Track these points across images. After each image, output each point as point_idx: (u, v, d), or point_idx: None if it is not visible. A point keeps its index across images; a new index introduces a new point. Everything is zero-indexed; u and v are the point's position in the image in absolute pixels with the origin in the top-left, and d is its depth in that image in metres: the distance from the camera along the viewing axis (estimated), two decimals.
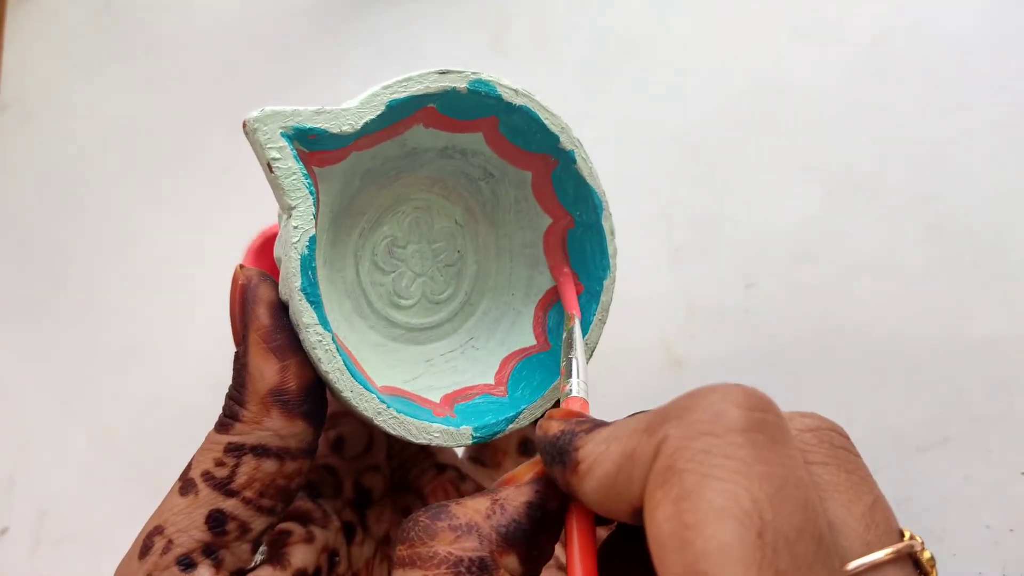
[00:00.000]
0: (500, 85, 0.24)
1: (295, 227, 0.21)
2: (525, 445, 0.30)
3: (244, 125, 0.21)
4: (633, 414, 0.18)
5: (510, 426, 0.25)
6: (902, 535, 0.16)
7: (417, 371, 0.27)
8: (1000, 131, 0.46)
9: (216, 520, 0.21)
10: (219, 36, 0.62)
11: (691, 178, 0.50)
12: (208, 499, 0.21)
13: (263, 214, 0.48)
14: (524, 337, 0.28)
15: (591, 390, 0.22)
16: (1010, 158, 0.45)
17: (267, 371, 0.21)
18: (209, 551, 0.21)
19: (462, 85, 0.23)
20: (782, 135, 0.50)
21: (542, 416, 0.25)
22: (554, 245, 0.27)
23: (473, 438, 0.24)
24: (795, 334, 0.46)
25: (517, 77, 0.24)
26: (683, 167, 0.51)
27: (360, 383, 0.22)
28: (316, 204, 0.22)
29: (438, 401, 0.26)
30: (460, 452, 0.31)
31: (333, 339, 0.21)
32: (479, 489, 0.28)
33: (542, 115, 0.24)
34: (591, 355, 0.26)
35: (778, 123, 0.50)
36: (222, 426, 0.21)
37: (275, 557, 0.23)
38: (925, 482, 0.42)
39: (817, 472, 0.17)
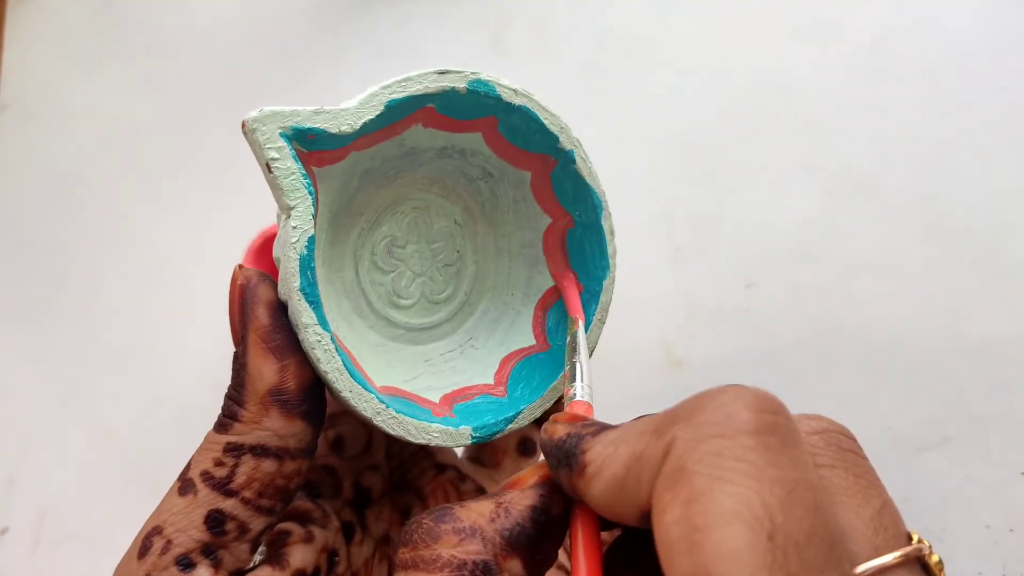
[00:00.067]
0: (499, 85, 0.24)
1: (294, 227, 0.21)
2: (524, 445, 0.30)
3: (243, 125, 0.21)
4: (639, 417, 0.18)
5: (509, 426, 0.25)
6: (910, 539, 0.16)
7: (416, 371, 0.27)
8: (1000, 131, 0.46)
9: (215, 520, 0.21)
10: (219, 36, 0.62)
11: (691, 178, 0.50)
12: (207, 499, 0.21)
13: (263, 214, 0.47)
14: (523, 337, 0.28)
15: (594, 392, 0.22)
16: (1010, 158, 0.45)
17: (266, 371, 0.21)
18: (208, 551, 0.21)
19: (461, 85, 0.23)
20: (782, 135, 0.50)
21: (541, 416, 0.26)
22: (553, 245, 0.27)
23: (472, 438, 0.24)
24: (795, 334, 0.46)
25: (517, 77, 0.24)
26: (683, 167, 0.51)
27: (359, 383, 0.22)
28: (315, 204, 0.22)
29: (437, 401, 0.26)
30: (459, 452, 0.31)
31: (332, 339, 0.21)
32: (479, 489, 0.28)
33: (541, 115, 0.24)
34: (591, 355, 0.26)
35: (778, 123, 0.50)
36: (221, 426, 0.21)
37: (274, 557, 0.23)
38: (925, 482, 0.42)
39: (825, 475, 0.16)
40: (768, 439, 0.15)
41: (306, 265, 0.21)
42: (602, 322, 0.26)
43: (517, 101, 0.24)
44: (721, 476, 0.14)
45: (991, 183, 0.45)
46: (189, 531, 0.21)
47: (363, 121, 0.22)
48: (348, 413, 0.25)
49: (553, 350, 0.27)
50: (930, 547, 0.16)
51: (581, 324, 0.24)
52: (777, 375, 0.45)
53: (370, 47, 0.59)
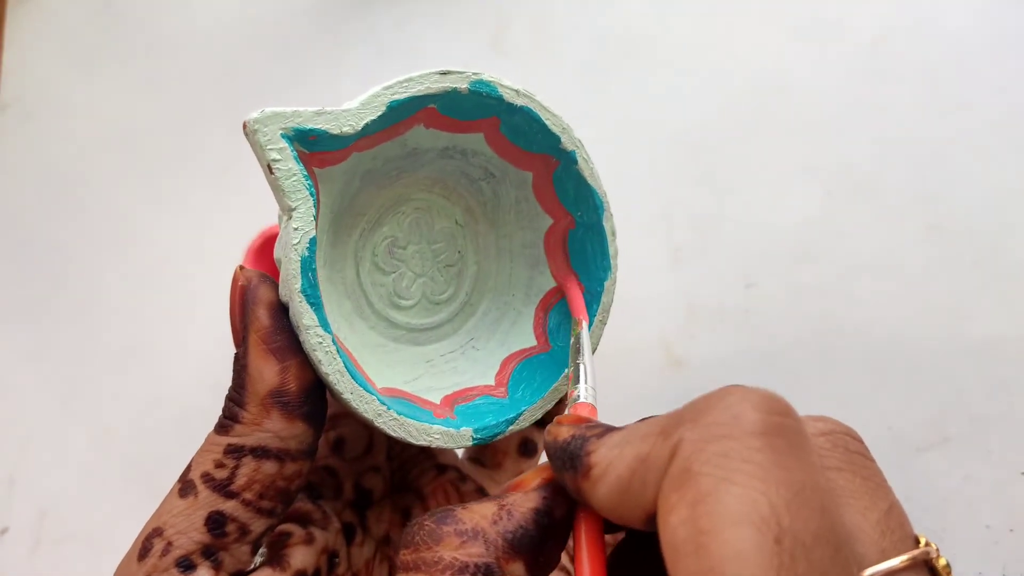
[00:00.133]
0: (501, 86, 0.24)
1: (295, 228, 0.21)
2: (525, 446, 0.29)
3: (244, 126, 0.21)
4: (644, 419, 0.18)
5: (510, 427, 0.25)
6: (917, 542, 0.16)
7: (417, 372, 0.27)
8: (1000, 131, 0.46)
9: (216, 522, 0.21)
10: (219, 36, 0.62)
11: (691, 178, 0.50)
12: (208, 501, 0.21)
13: (263, 214, 0.48)
14: (524, 338, 0.28)
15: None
16: (1010, 158, 0.45)
17: (267, 372, 0.21)
18: (208, 553, 0.21)
19: (463, 86, 0.23)
20: (782, 135, 0.50)
21: (543, 417, 0.25)
22: (555, 246, 0.27)
23: (473, 439, 0.24)
24: (795, 334, 0.46)
25: (517, 77, 0.24)
26: (683, 167, 0.51)
27: (361, 385, 0.22)
28: (316, 205, 0.21)
29: (438, 402, 0.26)
30: (460, 453, 0.31)
31: (333, 341, 0.21)
32: (479, 489, 0.28)
33: (543, 116, 0.24)
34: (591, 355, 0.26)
35: (778, 123, 0.50)
36: (222, 427, 0.21)
37: (275, 558, 0.23)
38: (925, 482, 0.42)
39: (832, 477, 0.16)
40: (775, 440, 0.14)
41: (307, 266, 0.21)
42: (603, 323, 0.26)
43: (519, 102, 0.24)
44: (728, 477, 0.14)
45: (991, 183, 0.45)
46: (190, 533, 0.21)
47: (365, 122, 0.22)
48: (349, 414, 0.25)
49: (554, 351, 0.27)
50: (937, 550, 0.16)
51: (585, 326, 0.24)
52: (777, 375, 0.45)
53: (370, 47, 0.59)
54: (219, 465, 0.21)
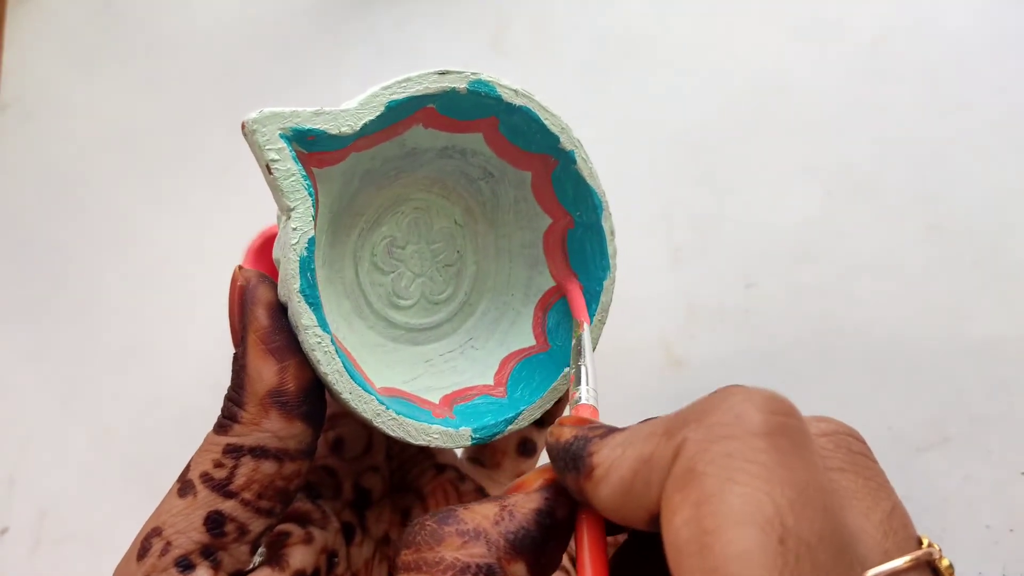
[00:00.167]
0: (500, 85, 0.24)
1: (294, 229, 0.21)
2: (524, 446, 0.29)
3: (243, 126, 0.21)
4: (646, 420, 0.18)
5: (509, 427, 0.25)
6: (920, 542, 0.16)
7: (416, 372, 0.27)
8: (1000, 131, 0.46)
9: (215, 521, 0.21)
10: (219, 36, 0.62)
11: (691, 178, 0.50)
12: (207, 500, 0.21)
13: (263, 214, 0.48)
14: (523, 337, 0.28)
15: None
16: (1010, 158, 0.45)
17: (266, 372, 0.21)
18: (207, 552, 0.21)
19: (462, 86, 0.23)
20: (782, 135, 0.50)
21: (541, 417, 0.26)
22: (554, 245, 0.27)
23: (472, 439, 0.24)
24: (795, 334, 0.46)
25: (517, 77, 0.24)
26: (683, 167, 0.51)
27: (359, 385, 0.22)
28: (315, 205, 0.21)
29: (437, 402, 0.26)
30: (459, 452, 0.31)
31: (332, 341, 0.21)
32: (478, 489, 0.28)
33: (542, 115, 0.24)
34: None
35: (778, 123, 0.50)
36: (220, 427, 0.21)
37: (274, 558, 0.23)
38: (925, 482, 0.42)
39: (835, 478, 0.16)
40: (779, 441, 0.14)
41: (306, 267, 0.21)
42: (602, 322, 0.26)
43: (518, 102, 0.24)
44: (732, 477, 0.14)
45: (991, 183, 0.45)
46: (188, 532, 0.21)
47: (363, 122, 0.22)
48: (348, 414, 0.25)
49: (553, 351, 0.27)
50: (940, 551, 0.16)
51: (587, 327, 0.24)
52: (777, 375, 0.45)
53: (370, 47, 0.59)
54: (218, 465, 0.21)
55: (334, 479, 0.27)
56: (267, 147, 0.21)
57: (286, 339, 0.21)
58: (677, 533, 0.14)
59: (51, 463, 0.54)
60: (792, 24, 0.51)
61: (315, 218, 0.21)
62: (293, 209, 0.21)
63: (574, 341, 0.24)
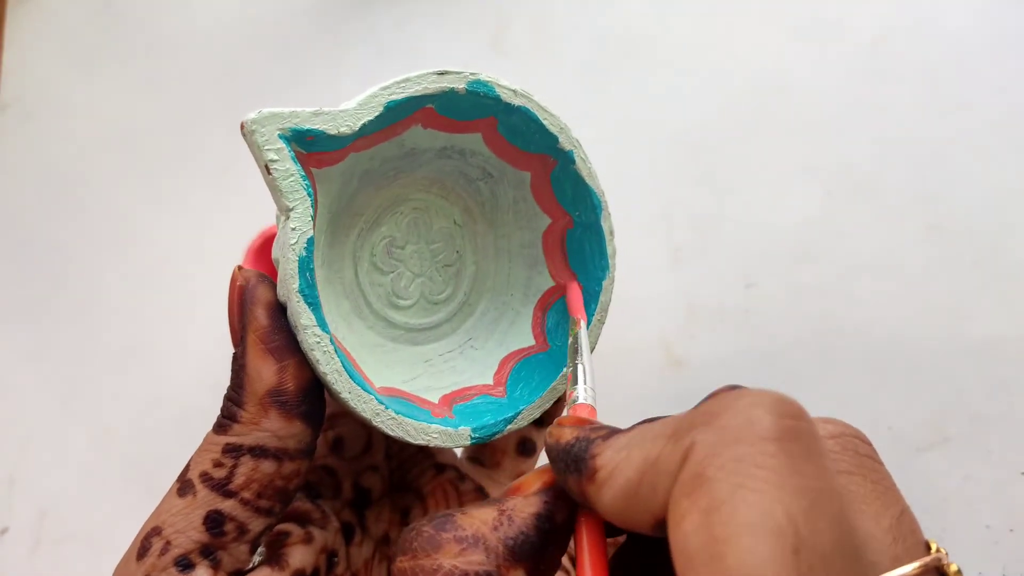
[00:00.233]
0: (499, 86, 0.24)
1: (293, 229, 0.21)
2: (523, 445, 0.29)
3: (242, 127, 0.21)
4: (648, 420, 0.18)
5: (509, 426, 0.25)
6: (928, 547, 0.16)
7: (416, 371, 0.27)
8: (1000, 131, 0.46)
9: (214, 521, 0.21)
10: (219, 36, 0.62)
11: (691, 178, 0.50)
12: (206, 500, 0.21)
13: (263, 214, 0.48)
14: (523, 337, 0.28)
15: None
16: (1010, 158, 0.45)
17: (265, 372, 0.21)
18: (207, 552, 0.21)
19: (460, 86, 0.23)
20: (782, 135, 0.50)
21: (541, 417, 0.25)
22: (553, 245, 0.27)
23: (471, 439, 0.24)
24: (795, 334, 0.46)
25: (517, 77, 0.24)
26: (683, 167, 0.51)
27: (358, 384, 0.22)
28: (314, 205, 0.21)
29: (436, 402, 0.26)
30: (458, 452, 0.31)
31: (331, 340, 0.21)
32: (478, 489, 0.28)
33: (541, 115, 0.24)
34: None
35: (778, 123, 0.50)
36: (220, 427, 0.21)
37: (273, 558, 0.23)
38: (925, 482, 0.42)
39: (843, 482, 0.16)
40: (790, 445, 0.14)
41: (305, 267, 0.21)
42: (602, 322, 0.26)
43: (516, 102, 0.24)
44: (743, 484, 0.14)
45: (991, 183, 0.45)
46: (188, 532, 0.21)
47: (362, 122, 0.22)
48: (347, 414, 0.25)
49: (552, 351, 0.27)
50: (947, 554, 0.16)
51: (584, 326, 0.24)
52: (777, 375, 0.45)
53: (370, 47, 0.59)
54: (217, 464, 0.21)
55: (334, 479, 0.27)
56: (266, 147, 0.21)
57: (285, 339, 0.21)
58: (686, 540, 0.14)
59: (51, 463, 0.54)
60: (792, 24, 0.51)
61: (314, 218, 0.21)
62: (292, 209, 0.21)
63: (571, 339, 0.24)
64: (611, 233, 0.26)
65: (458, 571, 0.17)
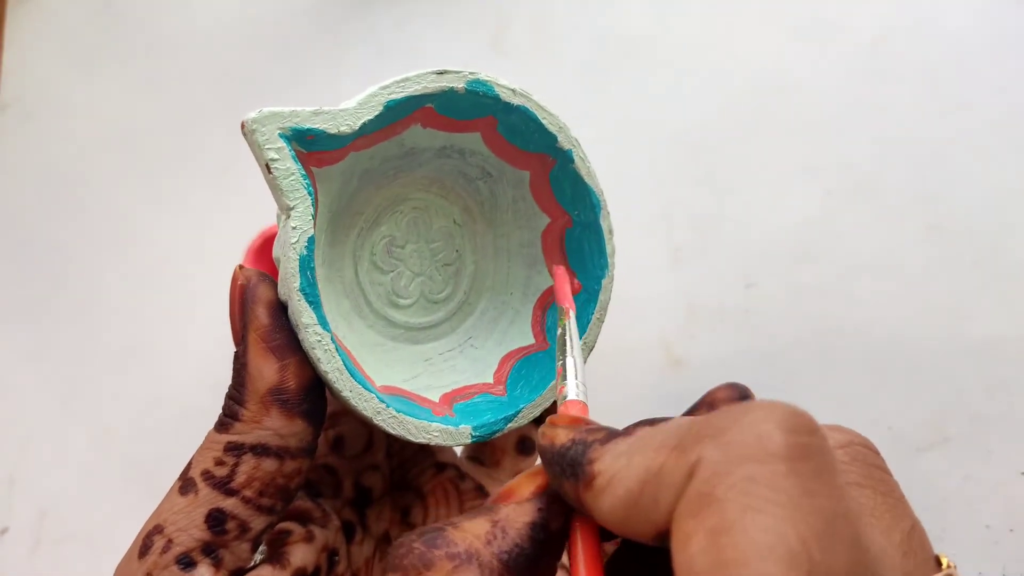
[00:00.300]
0: (498, 85, 0.24)
1: (293, 228, 0.21)
2: (523, 443, 0.30)
3: (242, 126, 0.21)
4: (645, 421, 0.17)
5: (509, 425, 0.25)
6: (939, 562, 0.16)
7: (416, 370, 0.27)
8: (1000, 131, 0.46)
9: (216, 519, 0.21)
10: (219, 36, 0.62)
11: (691, 178, 0.50)
12: (208, 498, 0.21)
13: (263, 214, 0.48)
14: (522, 336, 0.28)
15: (589, 392, 0.21)
16: (1010, 158, 0.45)
17: (266, 370, 0.21)
18: (209, 550, 0.21)
19: (460, 85, 0.23)
20: (782, 135, 0.50)
21: (541, 415, 0.26)
22: (552, 244, 0.27)
23: (472, 437, 0.24)
24: (795, 334, 0.46)
25: (517, 77, 0.24)
26: (683, 167, 0.51)
27: (359, 383, 0.22)
28: (315, 204, 0.22)
29: (437, 400, 0.26)
30: (458, 451, 0.31)
31: (332, 339, 0.21)
32: (478, 487, 0.28)
33: (540, 115, 0.24)
34: (589, 354, 0.26)
35: (778, 123, 0.50)
36: (222, 425, 0.21)
37: (275, 556, 0.23)
38: (925, 482, 0.42)
39: (853, 494, 0.16)
40: (802, 465, 0.14)
41: (306, 265, 0.21)
42: (601, 321, 0.26)
43: (515, 101, 0.24)
44: (753, 505, 0.13)
45: (991, 183, 0.45)
46: (190, 530, 0.21)
47: (362, 121, 0.22)
48: (348, 412, 0.25)
49: (552, 349, 0.27)
50: (956, 568, 0.15)
51: (572, 315, 0.23)
52: (777, 375, 0.45)
53: (370, 47, 0.59)
54: (219, 463, 0.21)
55: (334, 477, 0.27)
56: (267, 146, 0.21)
57: (286, 337, 0.21)
58: (692, 561, 0.13)
59: (51, 463, 0.54)
60: (792, 24, 0.51)
61: (315, 217, 0.22)
62: (293, 208, 0.21)
63: (559, 331, 0.23)
64: (610, 232, 0.26)
65: None
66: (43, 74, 0.65)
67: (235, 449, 0.21)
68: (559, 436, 0.18)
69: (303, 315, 0.21)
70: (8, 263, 0.60)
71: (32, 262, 0.60)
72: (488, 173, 0.27)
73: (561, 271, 0.26)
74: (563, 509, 0.18)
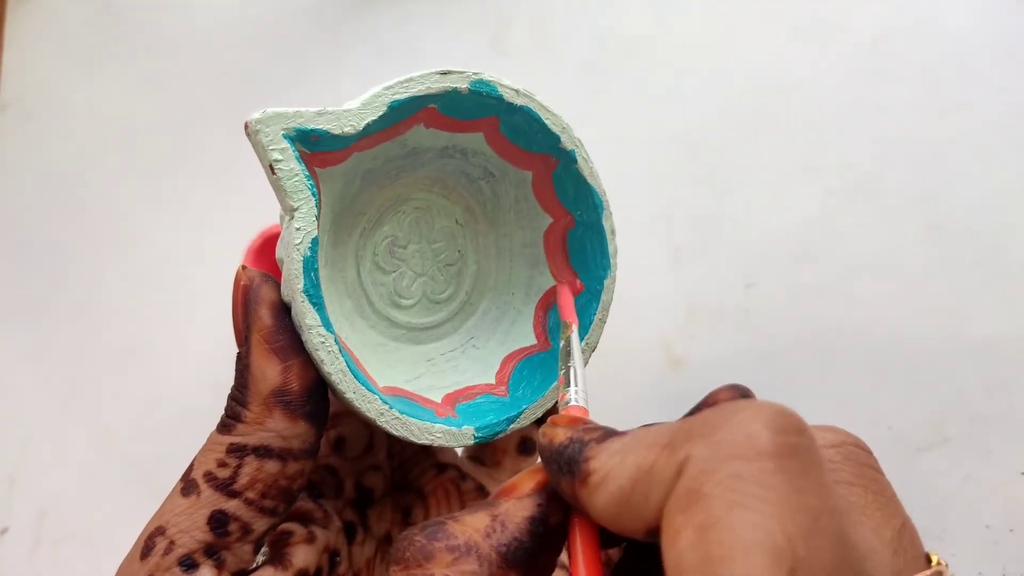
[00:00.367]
0: (501, 85, 0.24)
1: (297, 229, 0.21)
2: (525, 444, 0.30)
3: (246, 127, 0.21)
4: (646, 425, 0.17)
5: (511, 426, 0.25)
6: (929, 560, 0.16)
7: (418, 371, 0.27)
8: (1000, 131, 0.46)
9: (218, 521, 0.21)
10: (219, 36, 0.62)
11: (691, 178, 0.50)
12: (210, 500, 0.21)
13: (263, 214, 0.48)
14: (525, 336, 0.28)
15: (590, 396, 0.22)
16: (1010, 158, 0.46)
17: (269, 372, 0.21)
18: (211, 552, 0.21)
19: (463, 85, 0.23)
20: (782, 135, 0.50)
21: (543, 415, 0.26)
22: (554, 245, 0.27)
23: (475, 438, 0.24)
24: (795, 334, 0.46)
25: (517, 77, 0.24)
26: (683, 167, 0.51)
27: (363, 384, 0.22)
28: (318, 205, 0.22)
29: (439, 401, 0.26)
30: (459, 451, 0.31)
31: (336, 340, 0.21)
32: (479, 488, 0.28)
33: (543, 115, 0.24)
34: (591, 354, 0.26)
35: (778, 123, 0.50)
36: (224, 427, 0.21)
37: (277, 557, 0.23)
38: (925, 482, 0.42)
39: (843, 493, 0.16)
40: (790, 463, 0.14)
41: (310, 266, 0.21)
42: (603, 321, 0.26)
43: (519, 101, 0.24)
44: (740, 502, 0.13)
45: (991, 183, 0.45)
46: (192, 532, 0.21)
47: (366, 122, 0.22)
48: (349, 413, 0.25)
49: (554, 350, 0.27)
50: (947, 566, 0.16)
51: (575, 329, 0.24)
52: (777, 375, 0.46)
53: (370, 47, 0.59)
54: (222, 464, 0.21)
55: (336, 478, 0.27)
56: (270, 147, 0.21)
57: (290, 339, 0.21)
58: (680, 556, 0.14)
59: (51, 463, 0.54)
60: (792, 24, 0.51)
61: (318, 218, 0.21)
62: (296, 209, 0.21)
63: (562, 343, 0.24)
64: (612, 232, 0.26)
65: None
66: (43, 74, 0.65)
67: (238, 451, 0.21)
68: (558, 435, 0.18)
69: (307, 317, 0.21)
70: (8, 263, 0.60)
71: (32, 262, 0.60)
72: (490, 173, 0.27)
73: (565, 290, 0.26)
74: (562, 505, 0.18)
